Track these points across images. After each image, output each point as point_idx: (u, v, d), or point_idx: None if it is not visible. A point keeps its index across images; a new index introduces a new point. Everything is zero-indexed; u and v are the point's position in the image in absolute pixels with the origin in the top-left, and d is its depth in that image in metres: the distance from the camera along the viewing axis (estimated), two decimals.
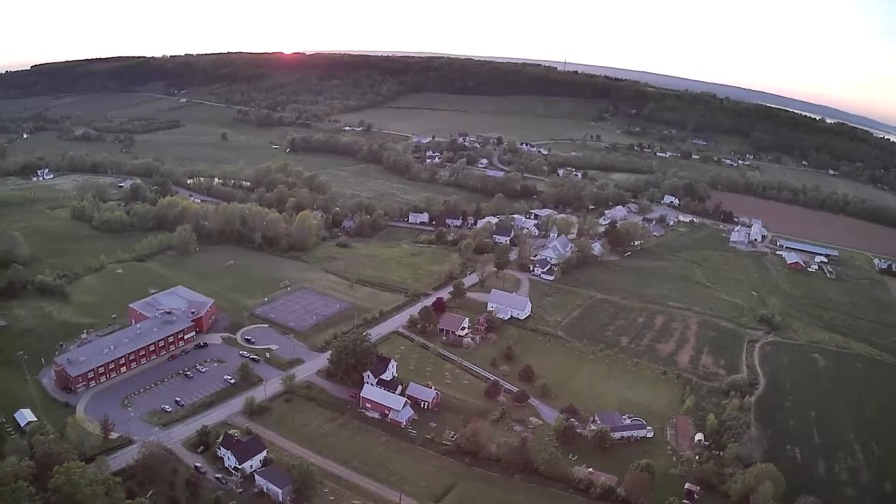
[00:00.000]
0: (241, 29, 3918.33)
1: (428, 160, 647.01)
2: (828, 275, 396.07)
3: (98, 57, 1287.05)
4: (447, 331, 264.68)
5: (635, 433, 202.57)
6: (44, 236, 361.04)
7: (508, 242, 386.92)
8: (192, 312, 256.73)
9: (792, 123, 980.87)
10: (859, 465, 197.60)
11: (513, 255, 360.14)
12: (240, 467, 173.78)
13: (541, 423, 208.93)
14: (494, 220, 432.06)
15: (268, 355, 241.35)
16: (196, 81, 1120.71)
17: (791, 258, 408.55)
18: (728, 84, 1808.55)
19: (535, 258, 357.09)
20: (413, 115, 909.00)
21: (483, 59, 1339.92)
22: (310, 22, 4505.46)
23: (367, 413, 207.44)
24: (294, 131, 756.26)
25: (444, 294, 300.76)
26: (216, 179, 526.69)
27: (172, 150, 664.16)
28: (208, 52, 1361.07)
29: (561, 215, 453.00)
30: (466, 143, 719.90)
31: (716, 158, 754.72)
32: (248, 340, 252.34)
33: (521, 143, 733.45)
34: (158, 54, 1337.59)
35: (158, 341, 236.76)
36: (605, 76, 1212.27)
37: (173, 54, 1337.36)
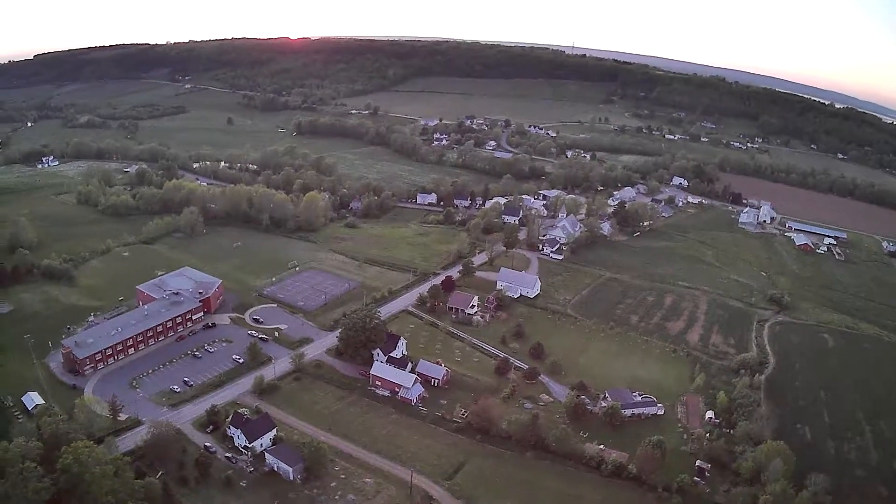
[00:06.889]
0: (246, 15, 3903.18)
1: (435, 142, 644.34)
2: (836, 257, 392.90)
3: (101, 45, 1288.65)
4: (457, 309, 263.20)
5: (646, 410, 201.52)
6: (50, 221, 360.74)
7: (517, 222, 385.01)
8: (200, 293, 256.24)
9: (801, 108, 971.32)
10: (868, 445, 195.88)
11: (521, 235, 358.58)
12: (250, 446, 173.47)
13: (551, 400, 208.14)
14: (503, 200, 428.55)
15: (276, 335, 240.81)
16: (200, 67, 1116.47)
17: (800, 240, 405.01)
18: (737, 69, 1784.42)
19: (545, 237, 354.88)
20: (420, 99, 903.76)
21: (490, 43, 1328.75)
22: (315, 7, 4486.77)
23: (377, 391, 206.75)
24: (300, 115, 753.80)
25: (454, 273, 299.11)
26: (222, 163, 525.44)
27: (178, 135, 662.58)
28: (212, 39, 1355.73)
29: (570, 196, 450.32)
30: (474, 126, 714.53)
31: (724, 141, 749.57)
32: (256, 320, 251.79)
33: (529, 126, 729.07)
34: (162, 41, 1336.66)
35: (166, 322, 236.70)
36: (614, 59, 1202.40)
37: (177, 41, 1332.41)
